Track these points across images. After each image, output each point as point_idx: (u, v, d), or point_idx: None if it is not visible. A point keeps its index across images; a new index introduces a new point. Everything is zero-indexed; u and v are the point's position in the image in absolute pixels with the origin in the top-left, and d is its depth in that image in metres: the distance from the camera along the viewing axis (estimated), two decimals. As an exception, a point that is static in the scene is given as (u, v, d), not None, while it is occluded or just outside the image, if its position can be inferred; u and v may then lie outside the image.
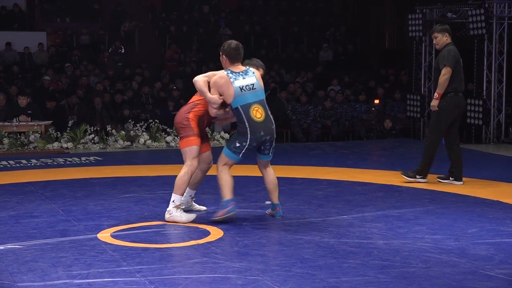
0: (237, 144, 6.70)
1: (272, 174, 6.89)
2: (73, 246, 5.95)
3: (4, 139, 12.81)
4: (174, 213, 6.69)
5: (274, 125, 6.77)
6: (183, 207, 6.98)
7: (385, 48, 22.18)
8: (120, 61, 19.42)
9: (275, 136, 6.79)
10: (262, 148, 6.76)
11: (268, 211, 7.05)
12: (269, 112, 6.73)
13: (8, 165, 10.57)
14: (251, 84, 6.64)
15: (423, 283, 5.04)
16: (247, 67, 6.79)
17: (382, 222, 6.84)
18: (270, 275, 5.18)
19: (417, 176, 8.96)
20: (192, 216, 6.75)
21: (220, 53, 6.88)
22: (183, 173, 6.71)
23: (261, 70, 6.99)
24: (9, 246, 5.96)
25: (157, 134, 13.35)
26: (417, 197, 8.07)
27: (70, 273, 5.21)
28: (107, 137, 13.23)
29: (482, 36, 13.67)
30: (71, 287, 4.93)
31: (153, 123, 13.48)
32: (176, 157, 11.54)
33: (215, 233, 6.38)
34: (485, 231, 6.50)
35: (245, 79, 6.65)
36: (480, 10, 13.35)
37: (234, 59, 6.72)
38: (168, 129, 13.50)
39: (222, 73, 6.73)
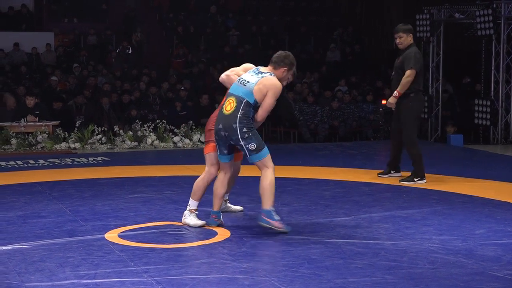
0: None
1: (262, 177, 6.37)
2: (80, 246, 5.96)
3: (12, 139, 12.85)
4: (188, 216, 6.67)
5: (236, 125, 6.28)
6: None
7: (393, 49, 22.11)
8: (127, 62, 19.45)
9: (238, 137, 6.28)
10: (237, 147, 6.44)
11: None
12: (239, 112, 6.29)
13: (16, 165, 10.60)
14: (247, 81, 6.40)
15: (430, 284, 5.03)
16: (270, 72, 6.44)
17: (389, 222, 6.83)
18: (277, 275, 5.18)
19: (415, 179, 8.97)
20: (200, 222, 6.61)
21: None
22: (199, 178, 6.70)
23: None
24: (17, 246, 5.98)
25: (164, 135, 13.36)
26: (424, 198, 8.06)
27: (77, 273, 5.22)
28: (114, 138, 13.24)
29: (490, 37, 13.63)
30: (78, 287, 4.95)
31: (161, 123, 13.49)
32: (184, 158, 11.60)
33: (222, 233, 6.39)
34: (492, 232, 6.49)
35: (252, 76, 6.44)
36: (488, 11, 13.31)
37: (271, 60, 6.54)
38: (175, 130, 13.50)
39: (251, 65, 6.72)
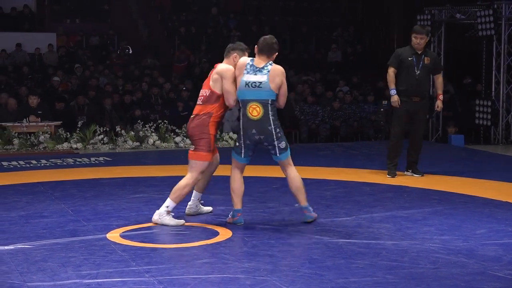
0: (237, 144, 6.73)
1: (291, 176, 6.67)
2: (82, 246, 5.96)
3: (14, 139, 12.85)
4: (165, 216, 6.64)
5: (272, 127, 6.53)
6: (192, 211, 7.04)
7: (394, 49, 22.09)
8: (129, 62, 19.46)
9: (273, 137, 6.55)
10: (266, 148, 6.67)
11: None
12: (270, 114, 6.52)
13: (18, 165, 10.60)
14: (258, 82, 6.49)
15: (431, 283, 5.03)
16: (268, 63, 6.58)
17: (390, 222, 6.83)
18: (278, 275, 5.18)
19: (407, 172, 9.51)
20: (181, 221, 6.70)
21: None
22: (184, 184, 6.64)
23: (246, 53, 6.81)
24: (19, 246, 5.98)
25: (166, 135, 13.36)
26: (425, 198, 8.06)
27: (79, 273, 5.22)
28: (116, 138, 13.24)
29: (490, 37, 13.63)
30: (80, 287, 4.95)
31: (162, 123, 13.49)
32: (185, 158, 11.56)
33: (224, 233, 6.39)
34: (493, 232, 6.49)
35: (256, 75, 6.51)
36: (488, 11, 13.31)
37: (260, 50, 6.62)
38: (177, 130, 13.50)
39: (245, 59, 6.68)
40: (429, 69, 9.33)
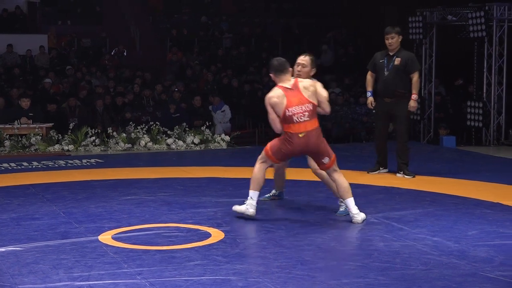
0: None
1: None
2: (74, 248, 5.95)
3: (6, 141, 12.81)
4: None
5: None
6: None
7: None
8: (121, 64, 19.43)
9: None
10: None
11: None
12: None
13: (10, 167, 10.57)
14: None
15: (423, 285, 5.04)
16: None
17: (382, 224, 6.83)
18: (270, 277, 5.18)
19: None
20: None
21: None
22: (343, 180, 7.03)
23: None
24: (10, 248, 5.96)
25: (158, 137, 13.34)
26: (417, 199, 8.07)
27: (71, 275, 5.21)
28: (108, 140, 13.22)
29: (482, 39, 13.66)
30: (72, 289, 4.94)
31: (154, 125, 13.48)
32: (177, 160, 11.60)
33: (216, 235, 6.38)
34: (485, 233, 6.50)
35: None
36: (480, 13, 13.34)
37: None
38: (169, 132, 13.49)
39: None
40: (399, 70, 9.41)
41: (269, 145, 6.89)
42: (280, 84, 6.82)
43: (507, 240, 6.27)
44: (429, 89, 14.98)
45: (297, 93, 6.75)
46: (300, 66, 7.31)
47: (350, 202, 6.86)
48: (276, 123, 6.77)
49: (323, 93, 6.99)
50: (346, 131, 15.78)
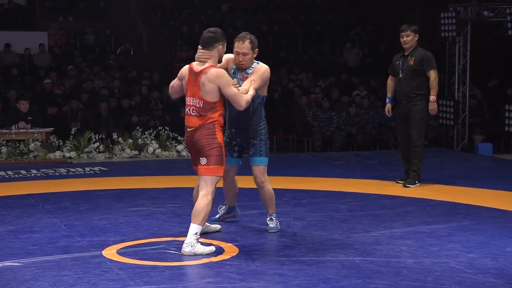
0: None
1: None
2: (76, 264, 5.97)
3: (2, 147, 12.88)
4: (197, 245, 6.23)
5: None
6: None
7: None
8: (127, 64, 19.50)
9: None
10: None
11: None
12: None
13: (7, 176, 10.63)
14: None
15: (457, 306, 5.02)
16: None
17: (412, 239, 6.81)
18: (289, 296, 5.17)
19: (417, 182, 9.58)
20: (212, 248, 6.36)
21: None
22: (205, 203, 6.24)
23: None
24: (7, 263, 5.99)
25: (167, 143, 13.38)
26: (450, 212, 8.04)
27: (72, 293, 5.23)
28: (113, 146, 13.27)
29: (521, 36, 13.61)
30: (73, 308, 4.96)
31: (163, 130, 13.51)
32: (188, 168, 11.61)
33: (230, 250, 6.38)
34: (525, 250, 6.48)
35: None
36: (519, 8, 13.29)
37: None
38: (179, 137, 13.51)
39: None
40: (413, 70, 9.50)
41: None
42: (194, 63, 6.47)
43: (549, 257, 6.23)
44: (463, 92, 14.90)
45: (195, 83, 6.36)
46: (240, 56, 6.85)
47: (194, 227, 6.24)
48: (171, 89, 6.73)
49: (230, 89, 6.34)
50: (373, 137, 15.75)
